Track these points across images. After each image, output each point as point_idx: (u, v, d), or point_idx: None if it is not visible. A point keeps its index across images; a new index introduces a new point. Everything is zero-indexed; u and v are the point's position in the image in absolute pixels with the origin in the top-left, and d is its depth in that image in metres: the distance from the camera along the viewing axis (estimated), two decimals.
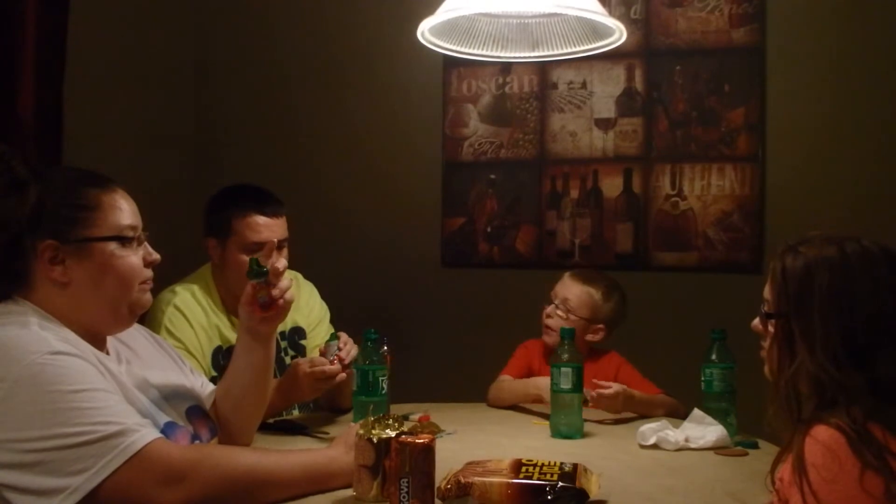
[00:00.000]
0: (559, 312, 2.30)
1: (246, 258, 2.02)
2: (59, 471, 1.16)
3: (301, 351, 2.27)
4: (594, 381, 2.10)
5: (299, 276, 2.36)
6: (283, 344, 2.25)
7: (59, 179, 1.38)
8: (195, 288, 2.14)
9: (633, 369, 2.31)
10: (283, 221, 2.14)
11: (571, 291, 2.32)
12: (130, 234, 1.39)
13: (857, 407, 1.13)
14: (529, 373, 2.38)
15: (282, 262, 1.79)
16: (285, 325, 2.22)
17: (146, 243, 1.43)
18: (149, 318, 2.05)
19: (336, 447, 1.44)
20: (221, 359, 2.11)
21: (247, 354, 1.59)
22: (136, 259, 1.39)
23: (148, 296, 1.44)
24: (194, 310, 2.10)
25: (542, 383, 2.11)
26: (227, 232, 2.11)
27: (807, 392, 1.21)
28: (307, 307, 2.32)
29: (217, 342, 2.13)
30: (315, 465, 1.39)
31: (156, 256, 1.44)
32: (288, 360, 2.23)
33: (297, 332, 2.27)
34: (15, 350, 1.22)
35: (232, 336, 2.11)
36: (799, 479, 1.10)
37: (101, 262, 1.35)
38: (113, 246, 1.36)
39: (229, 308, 2.15)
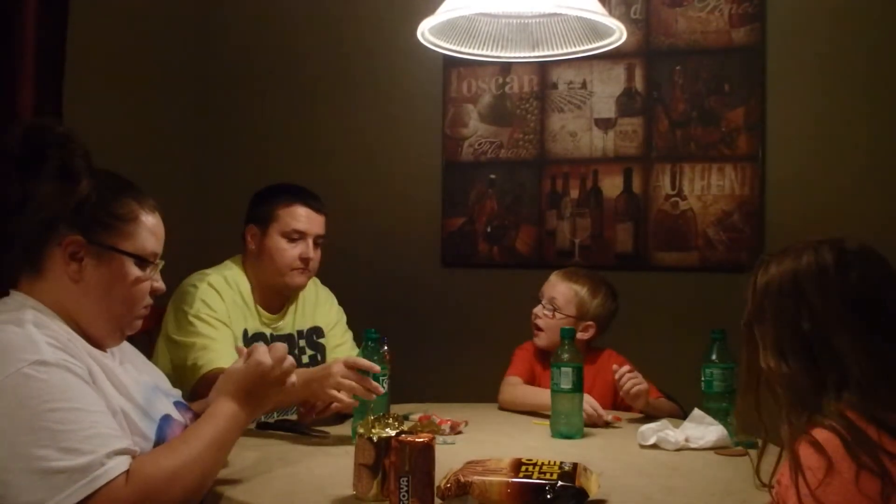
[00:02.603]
0: (545, 312, 2.30)
1: (285, 244, 2.18)
2: (16, 499, 1.15)
3: (320, 350, 2.33)
4: (615, 366, 2.12)
5: (316, 280, 2.42)
6: (302, 343, 2.30)
7: (106, 182, 1.38)
8: (227, 274, 2.22)
9: (633, 368, 2.30)
10: (323, 219, 2.26)
11: (557, 290, 2.31)
12: (151, 259, 1.41)
13: (850, 407, 1.14)
14: (532, 375, 2.37)
15: (318, 254, 2.17)
16: (304, 324, 2.31)
17: (158, 272, 1.45)
18: (179, 296, 2.11)
19: (226, 396, 1.42)
20: (247, 342, 2.16)
21: None
22: (146, 284, 1.41)
23: (139, 322, 1.45)
24: (227, 291, 2.17)
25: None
26: (270, 219, 2.21)
27: (780, 394, 1.24)
28: (327, 305, 2.40)
29: (244, 326, 2.20)
30: (226, 428, 1.38)
31: (161, 286, 1.45)
32: (305, 358, 2.28)
33: (316, 332, 2.34)
34: (1, 354, 1.21)
35: (254, 325, 2.22)
36: (795, 482, 1.11)
37: (116, 274, 1.37)
38: (131, 264, 1.38)
39: (257, 298, 2.23)
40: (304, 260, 2.20)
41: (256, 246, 2.23)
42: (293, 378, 1.49)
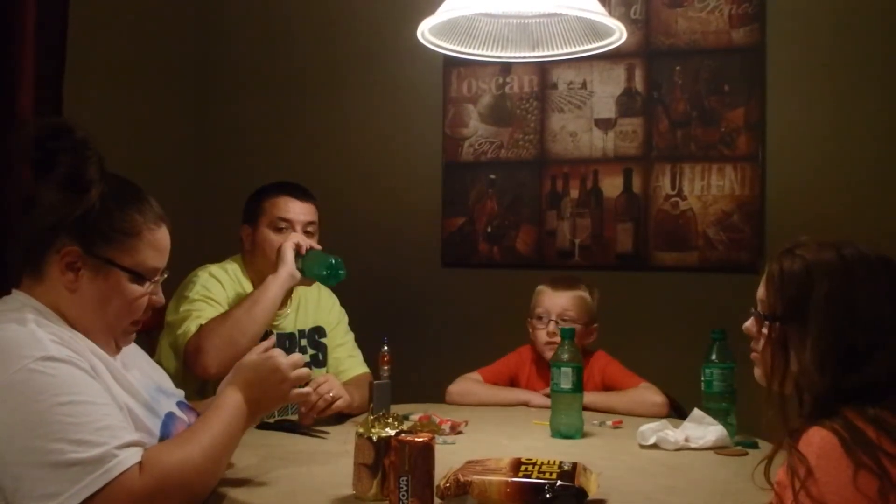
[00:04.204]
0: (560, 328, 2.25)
1: (274, 235, 2.21)
2: (30, 493, 1.15)
3: (322, 349, 2.33)
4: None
5: None
6: (303, 342, 2.31)
7: (115, 192, 1.36)
8: (228, 268, 2.26)
9: (619, 366, 2.30)
10: (311, 207, 2.29)
11: (564, 302, 2.27)
12: (150, 276, 1.39)
13: (850, 408, 1.14)
14: (509, 381, 2.36)
15: (312, 242, 2.23)
16: (305, 323, 2.32)
17: (159, 285, 1.43)
18: (181, 287, 2.16)
19: (234, 387, 1.44)
20: None
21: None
22: (143, 300, 1.39)
23: (134, 334, 1.44)
24: (228, 281, 2.22)
25: (529, 396, 2.24)
26: (257, 214, 2.25)
27: (803, 396, 1.22)
28: (328, 304, 2.41)
29: None
30: (234, 418, 1.40)
31: (160, 299, 1.44)
32: (306, 357, 2.29)
33: (318, 331, 2.34)
34: (7, 352, 1.22)
35: None
36: (792, 481, 1.11)
37: (112, 288, 1.35)
38: (129, 279, 1.36)
39: None
40: (296, 247, 2.20)
41: (250, 245, 2.26)
42: (302, 392, 1.53)
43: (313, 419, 1.92)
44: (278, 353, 1.47)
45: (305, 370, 1.51)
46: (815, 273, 1.23)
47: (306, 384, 2.11)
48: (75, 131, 1.34)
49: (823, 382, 1.19)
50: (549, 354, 2.26)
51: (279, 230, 2.21)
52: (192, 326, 2.06)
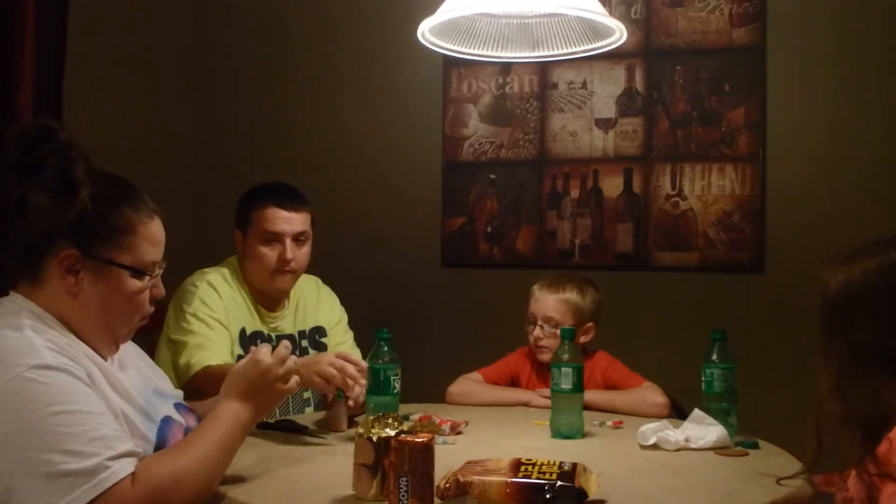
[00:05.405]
0: (547, 332, 2.25)
1: (263, 247, 2.16)
2: (22, 503, 1.14)
3: (322, 349, 2.33)
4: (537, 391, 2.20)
5: (318, 280, 2.43)
6: (304, 343, 2.31)
7: (105, 190, 1.35)
8: (225, 272, 2.23)
9: (621, 366, 2.29)
10: (302, 216, 2.21)
11: (548, 306, 2.26)
12: (149, 270, 1.38)
13: None
14: (509, 382, 2.36)
15: (303, 252, 2.16)
16: (305, 324, 2.32)
17: (159, 277, 1.42)
18: (179, 296, 2.14)
19: (229, 398, 1.43)
20: (243, 342, 2.19)
21: None
22: (146, 294, 1.39)
23: (133, 332, 1.44)
24: (226, 289, 2.19)
25: (529, 396, 2.24)
26: (247, 223, 2.21)
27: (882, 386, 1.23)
28: (328, 304, 2.41)
29: (242, 324, 2.21)
30: (231, 428, 1.39)
31: (161, 291, 1.43)
32: (290, 346, 2.28)
33: (318, 331, 2.34)
34: (2, 360, 1.21)
35: (253, 324, 2.23)
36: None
37: (114, 287, 1.35)
38: (130, 276, 1.36)
39: (255, 297, 2.25)
40: (283, 261, 2.18)
41: (242, 250, 2.24)
42: (296, 379, 1.49)
43: (345, 425, 1.88)
44: (263, 355, 1.45)
45: (292, 360, 1.49)
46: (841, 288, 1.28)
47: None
48: (58, 133, 1.33)
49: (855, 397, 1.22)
50: (538, 354, 2.29)
51: (269, 243, 2.18)
52: (198, 360, 2.03)
